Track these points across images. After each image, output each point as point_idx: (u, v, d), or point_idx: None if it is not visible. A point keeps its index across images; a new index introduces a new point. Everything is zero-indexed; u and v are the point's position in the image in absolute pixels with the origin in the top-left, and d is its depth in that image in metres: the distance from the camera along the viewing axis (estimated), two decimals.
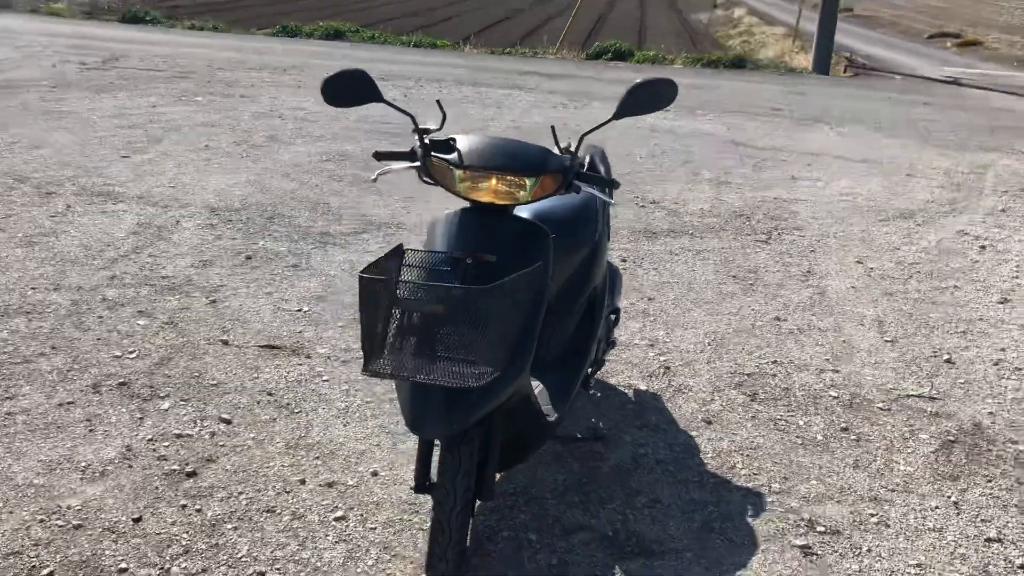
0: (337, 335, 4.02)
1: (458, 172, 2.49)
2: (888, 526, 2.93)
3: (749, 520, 2.93)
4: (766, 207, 6.61)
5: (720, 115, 10.51)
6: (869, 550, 2.83)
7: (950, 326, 4.68)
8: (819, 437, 3.48)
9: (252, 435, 3.19)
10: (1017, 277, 5.51)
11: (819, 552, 2.79)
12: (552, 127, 2.61)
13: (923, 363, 4.21)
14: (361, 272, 2.19)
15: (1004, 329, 4.69)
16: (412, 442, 2.73)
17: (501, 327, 2.21)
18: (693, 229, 6.04)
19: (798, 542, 2.83)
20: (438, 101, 2.69)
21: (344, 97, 2.63)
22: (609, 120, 2.54)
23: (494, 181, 2.48)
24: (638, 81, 2.50)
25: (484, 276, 2.36)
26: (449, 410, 2.23)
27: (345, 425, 3.30)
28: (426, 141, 2.56)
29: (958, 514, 3.04)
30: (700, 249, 5.55)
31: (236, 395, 3.45)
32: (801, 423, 3.60)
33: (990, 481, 3.26)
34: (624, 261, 5.25)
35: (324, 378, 3.64)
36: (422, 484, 2.47)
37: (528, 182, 2.46)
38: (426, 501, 2.60)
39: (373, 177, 2.84)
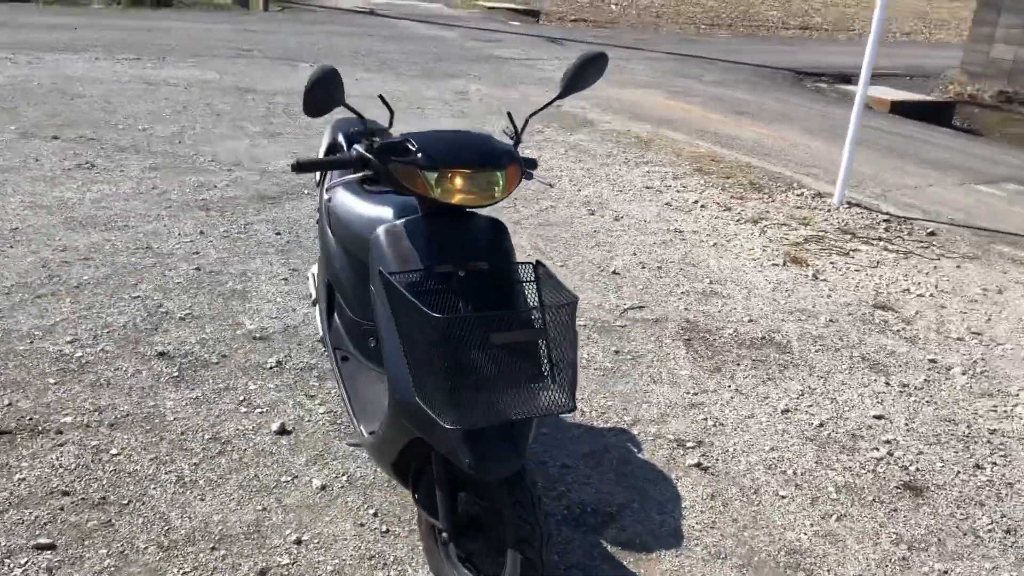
0: None
1: (431, 175, 2.19)
2: (723, 424, 3.37)
3: (643, 456, 3.11)
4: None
5: (202, 61, 9.94)
6: (728, 449, 3.24)
7: (583, 241, 5.29)
8: (608, 364, 3.77)
9: None
10: (579, 188, 6.38)
11: (707, 464, 3.11)
12: (508, 113, 2.40)
13: (602, 278, 4.74)
14: (434, 313, 1.86)
15: (617, 235, 5.47)
16: None
17: (565, 342, 2.07)
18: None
19: (690, 461, 3.11)
20: (381, 96, 2.32)
21: (321, 105, 2.16)
22: (555, 99, 2.45)
23: (469, 180, 2.23)
24: (582, 57, 2.43)
25: (482, 286, 2.18)
26: (514, 443, 2.06)
27: None
28: (375, 145, 2.21)
29: (746, 397, 3.62)
30: None
31: None
32: (586, 356, 3.86)
33: (738, 363, 3.92)
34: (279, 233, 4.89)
35: None
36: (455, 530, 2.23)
37: (500, 177, 2.27)
38: None
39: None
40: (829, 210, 6.58)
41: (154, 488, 2.75)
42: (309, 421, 3.16)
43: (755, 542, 2.74)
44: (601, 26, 18.90)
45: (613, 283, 4.70)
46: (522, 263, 2.25)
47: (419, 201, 2.31)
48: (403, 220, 2.30)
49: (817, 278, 5.10)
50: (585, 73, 2.42)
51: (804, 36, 21.66)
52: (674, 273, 4.91)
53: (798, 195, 6.88)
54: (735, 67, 14.23)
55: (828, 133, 9.45)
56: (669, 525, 2.78)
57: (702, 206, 6.31)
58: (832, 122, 10.22)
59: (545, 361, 2.02)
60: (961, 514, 2.97)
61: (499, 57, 12.55)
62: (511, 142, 2.39)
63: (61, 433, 2.96)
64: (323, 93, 2.16)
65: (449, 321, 1.90)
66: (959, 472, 3.23)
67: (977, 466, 3.28)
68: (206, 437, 3.02)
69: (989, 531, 2.89)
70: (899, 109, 11.41)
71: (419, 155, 2.21)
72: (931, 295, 5.04)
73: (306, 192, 5.70)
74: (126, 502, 2.68)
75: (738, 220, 6.13)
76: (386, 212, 2.64)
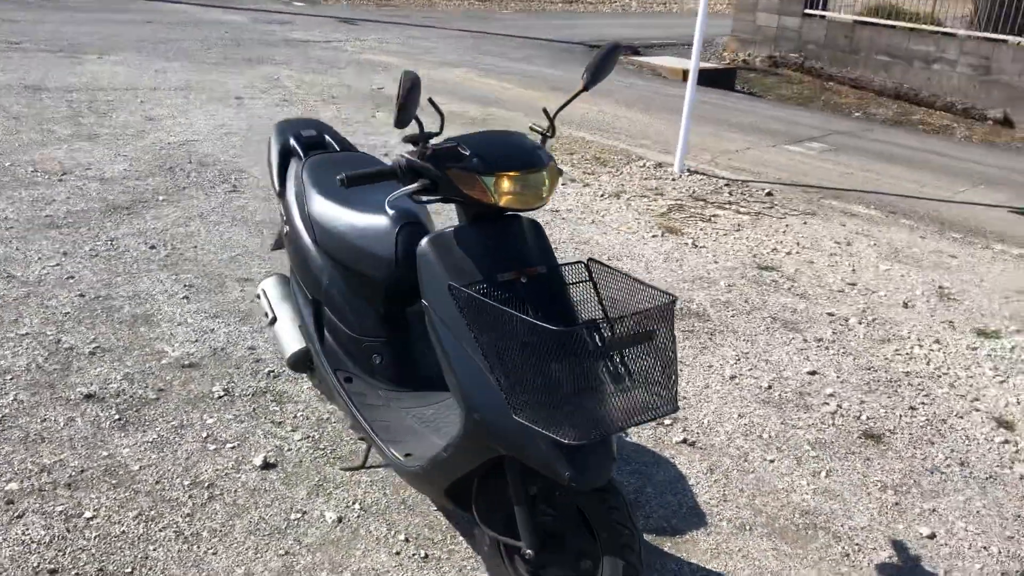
0: None
1: (489, 179, 2.10)
2: (686, 397, 3.50)
3: (632, 440, 3.18)
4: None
5: None
6: (703, 422, 3.38)
7: None
8: None
9: None
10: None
11: (692, 439, 3.22)
12: (544, 109, 2.32)
13: None
14: (552, 327, 1.81)
15: None
16: None
17: (668, 342, 2.08)
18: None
19: (676, 439, 3.21)
20: (431, 100, 2.16)
21: (411, 113, 1.99)
22: (580, 92, 2.37)
23: (522, 182, 2.17)
24: (603, 50, 2.38)
25: (543, 291, 2.15)
26: (608, 449, 2.06)
27: None
28: (428, 152, 2.10)
29: (693, 368, 3.79)
30: None
31: None
32: None
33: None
34: None
35: None
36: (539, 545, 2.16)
37: (546, 176, 2.22)
38: None
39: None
40: (674, 179, 6.89)
41: (154, 549, 2.46)
42: (290, 450, 2.94)
43: (768, 509, 2.86)
44: (383, 4, 18.60)
45: None
46: (571, 263, 2.20)
47: (463, 208, 2.19)
48: (449, 229, 2.18)
49: (696, 246, 5.34)
50: (606, 64, 2.39)
51: (571, 10, 22.39)
52: (572, 252, 4.97)
53: (641, 167, 7.15)
54: (531, 43, 14.50)
55: (642, 104, 9.87)
56: (687, 505, 2.84)
57: (562, 184, 6.40)
58: (639, 93, 10.68)
59: (655, 364, 1.99)
60: (920, 454, 3.24)
61: (297, 40, 12.08)
62: (539, 139, 2.30)
63: (13, 503, 2.58)
64: (414, 100, 2.00)
65: (572, 334, 1.83)
66: (901, 416, 3.52)
67: (911, 407, 3.58)
68: (186, 483, 2.73)
69: (948, 466, 3.18)
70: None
71: (474, 159, 2.10)
72: (797, 252, 5.42)
73: (161, 199, 5.25)
74: (129, 570, 2.38)
75: (602, 195, 6.28)
76: (379, 220, 2.50)
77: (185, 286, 4.08)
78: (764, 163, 7.78)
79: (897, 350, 4.12)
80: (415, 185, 2.13)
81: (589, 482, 1.99)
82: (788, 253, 5.38)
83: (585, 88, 2.37)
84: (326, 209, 2.69)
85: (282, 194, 2.92)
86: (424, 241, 2.18)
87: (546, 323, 1.86)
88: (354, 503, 2.72)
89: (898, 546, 2.70)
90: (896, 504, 2.93)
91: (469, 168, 2.09)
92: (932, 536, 2.78)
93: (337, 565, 2.47)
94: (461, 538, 2.58)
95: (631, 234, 5.43)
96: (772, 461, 3.12)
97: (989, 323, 4.57)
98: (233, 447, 2.92)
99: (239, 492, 2.72)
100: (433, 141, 2.15)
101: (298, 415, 3.14)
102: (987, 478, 3.13)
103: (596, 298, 2.20)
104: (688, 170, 7.11)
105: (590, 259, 2.20)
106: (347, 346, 2.71)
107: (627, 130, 8.50)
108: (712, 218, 6.00)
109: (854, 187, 7.21)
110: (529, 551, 2.14)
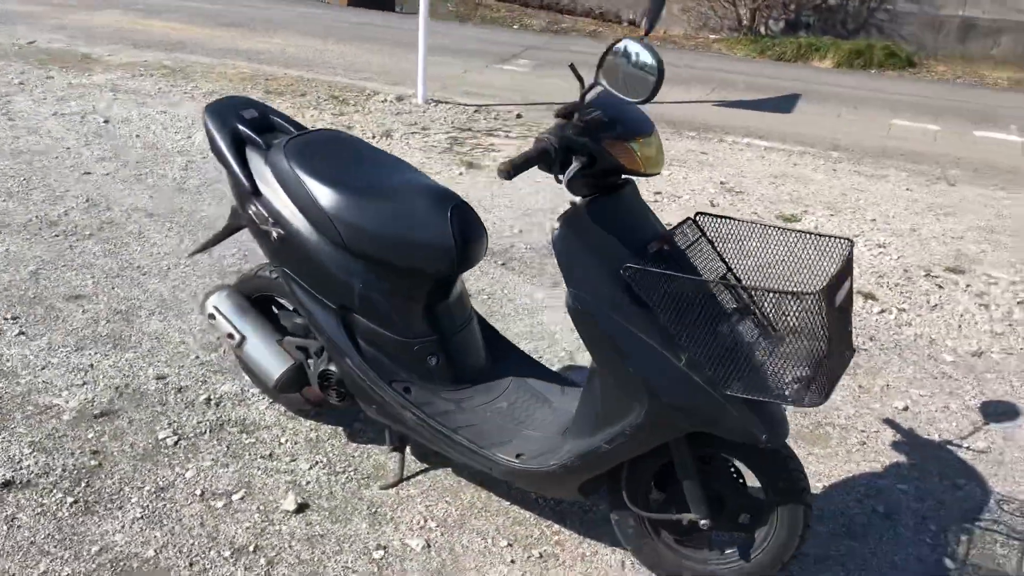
0: None
1: (636, 145, 2.00)
2: None
3: None
4: None
5: None
6: None
7: None
8: None
9: None
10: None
11: None
12: (571, 65, 2.05)
13: None
14: (821, 290, 1.81)
15: None
16: None
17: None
18: None
19: None
20: (572, 66, 1.93)
21: None
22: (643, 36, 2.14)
23: (654, 146, 2.09)
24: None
25: (681, 255, 2.14)
26: (781, 405, 2.12)
27: None
28: (582, 124, 1.94)
29: None
30: None
31: None
32: None
33: None
34: None
35: None
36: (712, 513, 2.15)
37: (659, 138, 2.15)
38: None
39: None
40: (424, 111, 6.77)
41: None
42: (309, 483, 2.57)
43: None
44: None
45: None
46: (681, 223, 2.14)
47: (590, 182, 2.02)
48: (580, 204, 2.01)
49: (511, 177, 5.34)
50: (660, 7, 2.18)
51: None
52: None
53: (382, 102, 6.93)
54: None
55: (333, 35, 9.46)
56: None
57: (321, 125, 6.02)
58: (326, 23, 10.21)
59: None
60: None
61: None
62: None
63: None
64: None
65: (826, 291, 1.81)
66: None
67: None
68: (226, 554, 2.29)
69: (864, 345, 3.60)
70: (354, 1, 11.75)
71: (618, 126, 1.95)
72: None
73: None
74: None
75: (372, 136, 6.01)
76: (420, 206, 2.27)
77: (6, 319, 3.28)
78: (488, 84, 7.88)
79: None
80: (576, 165, 1.91)
81: (779, 438, 2.00)
82: None
83: (646, 33, 2.20)
84: (348, 203, 2.32)
85: (256, 192, 2.45)
86: (560, 225, 1.99)
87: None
88: (426, 522, 2.45)
89: (892, 423, 3.02)
90: (860, 388, 3.26)
91: (621, 136, 1.93)
92: (906, 408, 3.14)
93: None
94: (558, 526, 2.45)
95: (447, 178, 5.26)
96: None
97: (783, 208, 5.14)
98: (242, 497, 2.48)
99: (295, 547, 2.33)
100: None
101: (284, 441, 2.73)
102: (895, 346, 3.58)
103: (715, 253, 2.16)
104: (432, 100, 6.99)
105: (697, 213, 2.15)
106: (395, 353, 2.40)
107: (338, 64, 8.13)
108: (492, 147, 6.00)
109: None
110: (705, 521, 2.11)
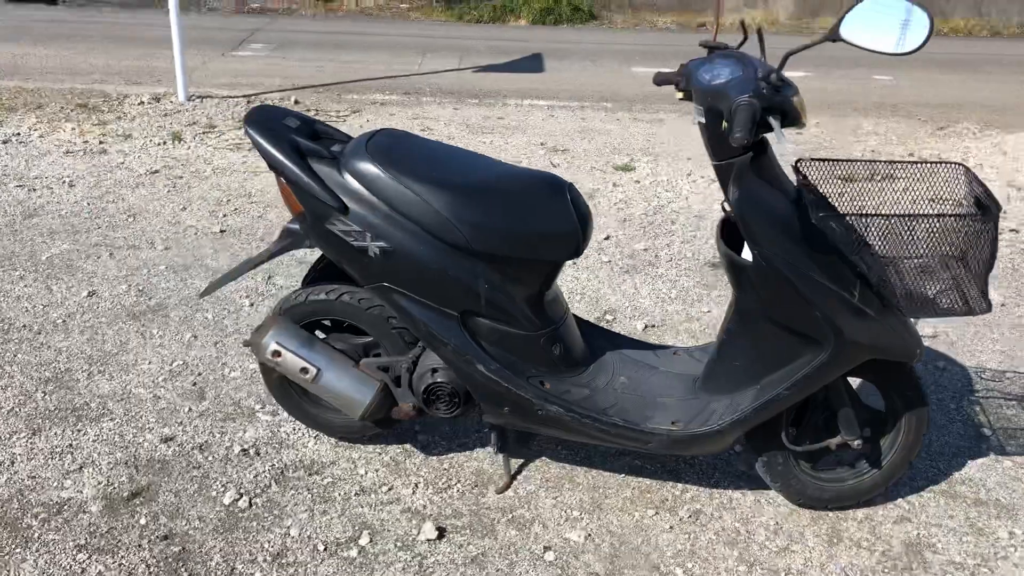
0: None
1: (799, 100, 2.13)
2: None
3: None
4: None
5: None
6: None
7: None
8: None
9: None
10: None
11: None
12: (758, 30, 2.13)
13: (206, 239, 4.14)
14: (998, 207, 2.07)
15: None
16: None
17: None
18: None
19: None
20: (743, 21, 1.98)
21: None
22: (819, 41, 2.01)
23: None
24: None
25: (818, 200, 2.33)
26: None
27: None
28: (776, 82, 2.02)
29: None
30: None
31: None
32: None
33: None
34: None
35: None
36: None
37: None
38: None
39: None
40: (194, 108, 6.28)
41: None
42: (427, 506, 2.42)
43: None
44: None
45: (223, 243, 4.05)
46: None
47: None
48: (743, 165, 2.07)
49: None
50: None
51: None
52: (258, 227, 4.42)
53: (140, 104, 6.34)
54: None
55: (28, 36, 8.31)
56: None
57: (84, 152, 5.38)
58: (24, 23, 8.90)
59: None
60: None
61: None
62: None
63: None
64: None
65: (994, 216, 2.03)
66: (669, 243, 4.22)
67: (669, 241, 4.31)
68: None
69: None
70: None
71: (787, 86, 2.05)
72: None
73: None
74: None
75: (163, 144, 5.48)
76: (535, 193, 2.23)
77: None
78: (241, 72, 7.44)
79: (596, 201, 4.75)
80: (777, 122, 1.97)
81: (922, 352, 2.25)
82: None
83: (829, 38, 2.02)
84: (465, 203, 2.18)
85: (343, 208, 2.22)
86: (736, 188, 2.05)
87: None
88: (569, 512, 2.42)
89: None
90: None
91: (794, 92, 2.04)
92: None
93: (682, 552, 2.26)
94: (678, 483, 2.53)
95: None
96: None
97: (615, 159, 5.47)
98: (371, 540, 2.28)
99: (468, 572, 2.20)
100: None
101: (364, 473, 2.53)
102: None
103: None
104: (196, 96, 6.47)
105: (798, 160, 2.30)
106: (524, 349, 2.31)
107: (56, 68, 7.22)
108: None
109: (346, 78, 7.40)
110: (858, 441, 2.31)
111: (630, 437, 2.25)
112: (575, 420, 2.25)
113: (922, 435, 2.33)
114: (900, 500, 2.45)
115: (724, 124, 1.94)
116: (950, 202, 2.17)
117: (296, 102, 6.44)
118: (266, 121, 2.24)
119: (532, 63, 8.17)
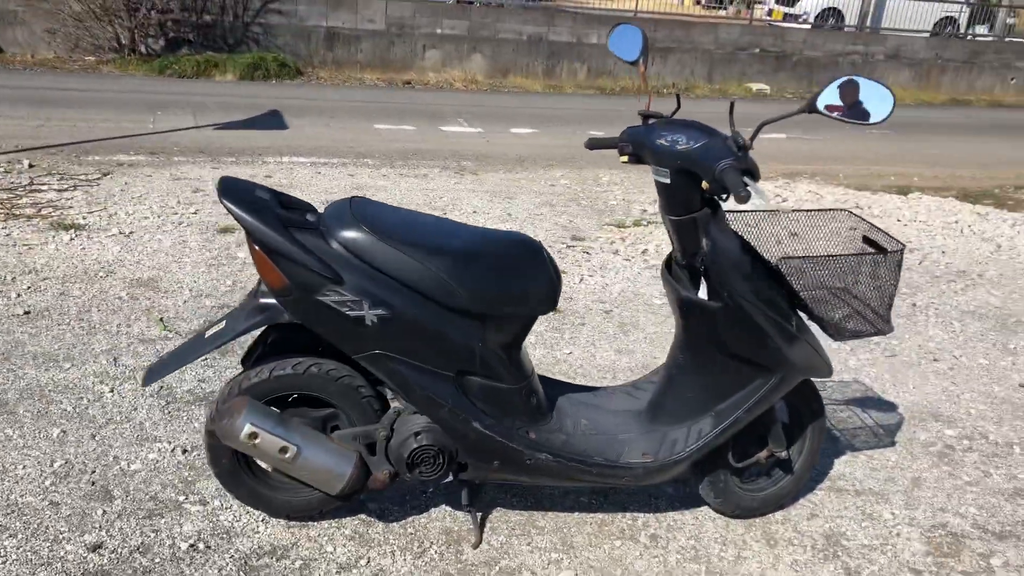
0: None
1: None
2: None
3: None
4: None
5: None
6: None
7: None
8: None
9: None
10: None
11: None
12: (732, 103, 2.36)
13: None
14: (902, 246, 2.55)
15: None
16: None
17: None
18: None
19: None
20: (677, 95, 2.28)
21: None
22: (796, 112, 2.21)
23: None
24: (851, 77, 2.13)
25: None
26: None
27: None
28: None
29: None
30: None
31: None
32: None
33: None
34: None
35: None
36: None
37: None
38: None
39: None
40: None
41: None
42: (418, 570, 2.45)
43: None
44: None
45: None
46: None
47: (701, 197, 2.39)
48: (715, 216, 2.37)
49: (92, 238, 4.83)
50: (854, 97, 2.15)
51: None
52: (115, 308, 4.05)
53: None
54: None
55: None
56: None
57: None
58: None
59: None
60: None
61: None
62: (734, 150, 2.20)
63: None
64: None
65: (902, 250, 2.48)
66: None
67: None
68: None
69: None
70: None
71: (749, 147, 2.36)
72: (192, 211, 5.34)
73: None
74: None
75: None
76: (512, 252, 2.35)
77: None
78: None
79: None
80: (751, 180, 2.23)
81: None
82: (195, 212, 5.26)
83: (804, 110, 2.23)
84: (461, 266, 2.24)
85: (337, 279, 2.20)
86: (710, 240, 2.32)
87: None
88: (567, 548, 2.55)
89: None
90: None
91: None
92: None
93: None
94: (645, 513, 2.72)
95: (39, 247, 4.51)
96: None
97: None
98: None
99: None
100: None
101: (333, 550, 2.45)
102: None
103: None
104: None
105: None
106: (509, 403, 2.41)
107: None
108: (68, 203, 5.24)
109: (78, 137, 6.85)
110: (785, 452, 2.69)
111: (610, 475, 2.42)
112: (561, 465, 2.37)
113: (821, 440, 2.73)
114: (803, 500, 2.82)
115: (705, 184, 2.19)
116: (842, 241, 2.59)
117: (31, 165, 5.84)
118: (241, 193, 2.15)
119: (273, 120, 8.03)
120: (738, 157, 2.15)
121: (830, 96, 2.09)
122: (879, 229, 2.52)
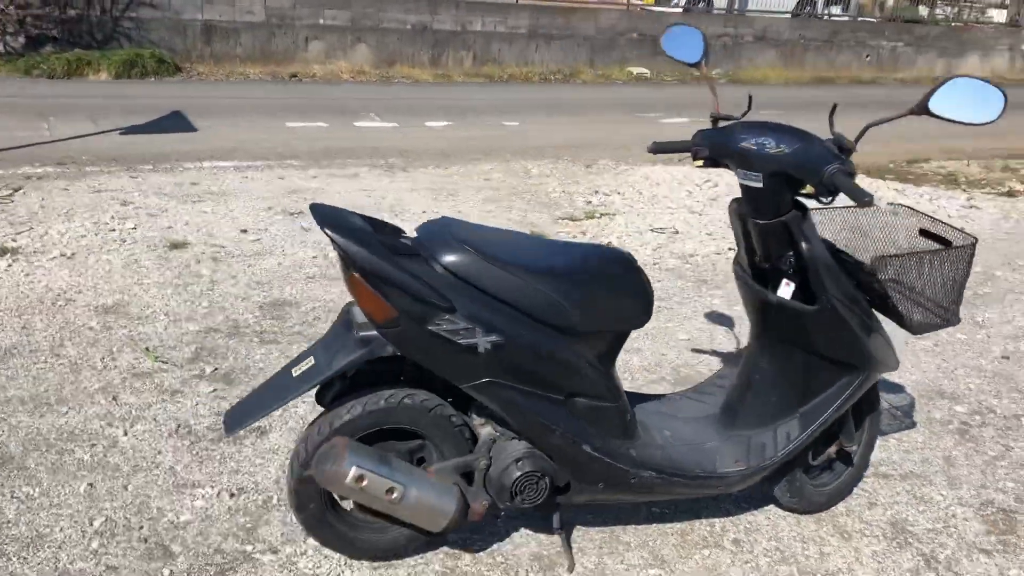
0: None
1: None
2: None
3: None
4: None
5: None
6: None
7: None
8: None
9: None
10: None
11: None
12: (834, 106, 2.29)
13: None
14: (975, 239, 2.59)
15: None
16: None
17: None
18: None
19: None
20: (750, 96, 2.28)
21: None
22: (906, 113, 2.19)
23: None
24: (960, 77, 2.13)
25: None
26: None
27: None
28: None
29: None
30: None
31: None
32: None
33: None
34: None
35: None
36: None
37: None
38: None
39: None
40: None
41: None
42: None
43: None
44: None
45: None
46: None
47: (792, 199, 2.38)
48: (809, 219, 2.37)
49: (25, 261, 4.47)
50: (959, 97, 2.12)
51: None
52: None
53: None
54: None
55: None
56: None
57: None
58: None
59: None
60: None
61: None
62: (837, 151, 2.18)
63: None
64: None
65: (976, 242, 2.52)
66: None
67: None
68: None
69: None
70: None
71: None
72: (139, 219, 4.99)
73: None
74: None
75: None
76: (607, 267, 2.27)
77: None
78: None
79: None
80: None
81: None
82: (135, 224, 4.91)
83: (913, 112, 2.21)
84: (570, 287, 2.17)
85: (451, 307, 2.07)
86: (810, 246, 2.29)
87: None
88: (659, 562, 2.51)
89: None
90: None
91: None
92: None
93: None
94: (720, 518, 2.70)
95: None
96: None
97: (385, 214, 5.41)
98: None
99: None
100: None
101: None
102: None
103: None
104: None
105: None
106: (612, 421, 2.33)
107: None
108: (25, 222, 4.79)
109: None
110: (855, 446, 2.73)
111: (711, 485, 2.39)
112: (664, 481, 2.32)
113: (878, 433, 2.78)
114: (856, 490, 2.87)
115: (810, 188, 2.17)
116: (902, 236, 2.63)
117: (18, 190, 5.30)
118: (339, 220, 2.00)
119: (178, 122, 7.58)
120: (843, 160, 2.13)
121: (942, 97, 2.10)
122: (940, 221, 2.56)
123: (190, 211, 5.12)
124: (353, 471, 2.03)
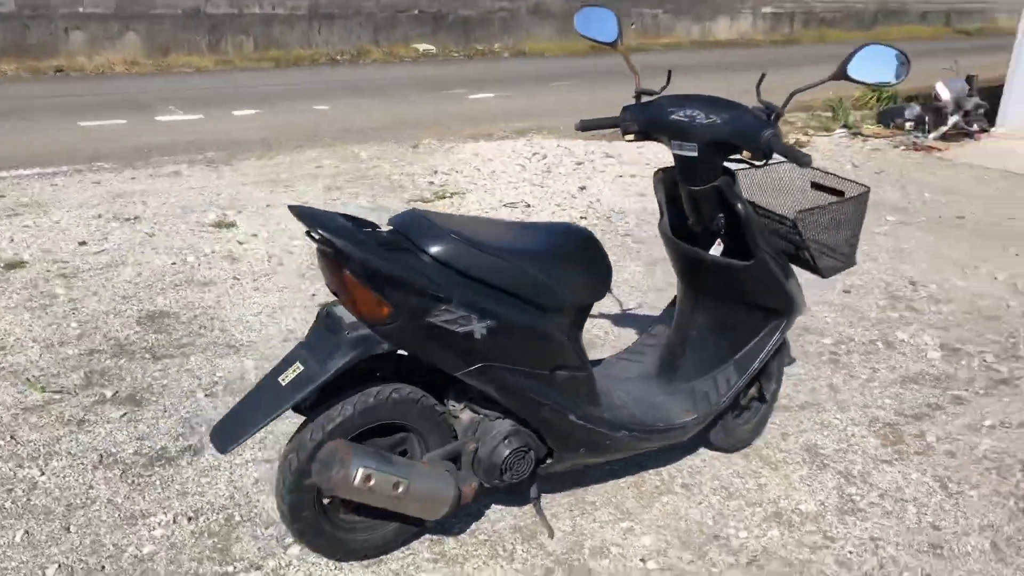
0: None
1: None
2: None
3: None
4: None
5: None
6: None
7: None
8: None
9: None
10: None
11: None
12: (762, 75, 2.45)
13: None
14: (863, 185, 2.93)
15: None
16: None
17: None
18: None
19: None
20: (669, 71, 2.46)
21: None
22: (827, 79, 2.36)
23: None
24: (870, 44, 2.31)
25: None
26: None
27: None
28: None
29: None
30: None
31: None
32: None
33: None
34: None
35: None
36: None
37: None
38: None
39: None
40: None
41: None
42: (527, 569, 2.46)
43: None
44: None
45: None
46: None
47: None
48: (731, 180, 2.58)
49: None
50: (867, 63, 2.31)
51: None
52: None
53: None
54: None
55: None
56: None
57: None
58: None
59: None
60: None
61: None
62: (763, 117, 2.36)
63: None
64: None
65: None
66: None
67: None
68: None
69: None
70: None
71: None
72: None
73: None
74: None
75: None
76: (572, 243, 2.36)
77: None
78: None
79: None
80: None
81: None
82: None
83: (832, 78, 2.37)
84: (549, 266, 2.24)
85: (448, 297, 2.09)
86: (743, 207, 2.49)
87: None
88: (627, 515, 2.66)
89: None
90: None
91: None
92: None
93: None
94: (663, 467, 2.84)
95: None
96: None
97: (198, 218, 5.18)
98: None
99: None
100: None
101: None
102: None
103: None
104: None
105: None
106: (586, 389, 2.44)
107: None
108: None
109: None
110: (775, 386, 3.01)
111: (671, 436, 2.56)
112: (636, 438, 2.47)
113: (784, 371, 3.06)
114: (768, 425, 3.16)
115: (746, 154, 2.37)
116: (796, 190, 2.90)
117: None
118: (327, 220, 1.97)
119: None
120: (774, 125, 2.33)
121: (858, 63, 2.33)
122: (830, 173, 2.84)
123: (10, 226, 4.68)
124: (361, 472, 2.01)
